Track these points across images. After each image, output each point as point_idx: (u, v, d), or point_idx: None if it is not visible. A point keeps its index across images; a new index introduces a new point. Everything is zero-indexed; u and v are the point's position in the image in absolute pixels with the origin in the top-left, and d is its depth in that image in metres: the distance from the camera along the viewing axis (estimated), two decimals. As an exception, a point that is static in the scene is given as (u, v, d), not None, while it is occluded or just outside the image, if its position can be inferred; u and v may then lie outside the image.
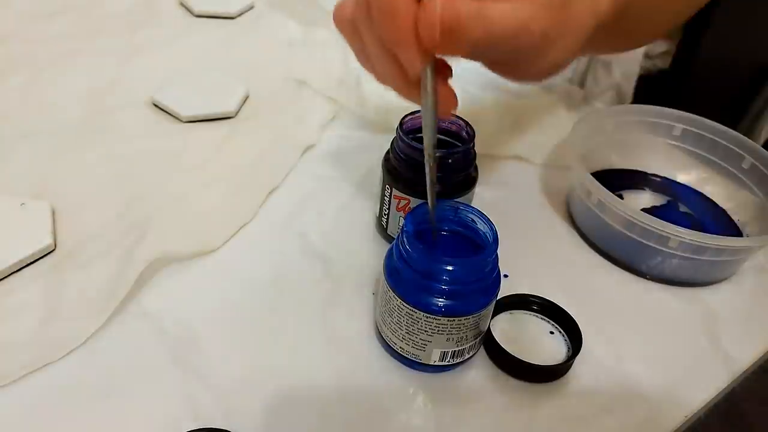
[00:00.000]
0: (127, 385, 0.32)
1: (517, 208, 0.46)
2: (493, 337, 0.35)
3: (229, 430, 0.30)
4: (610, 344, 0.36)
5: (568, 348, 0.36)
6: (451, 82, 0.30)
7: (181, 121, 0.52)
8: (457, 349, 0.33)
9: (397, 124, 0.38)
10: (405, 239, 0.31)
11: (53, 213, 0.41)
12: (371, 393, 0.33)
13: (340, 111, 0.55)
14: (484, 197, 0.45)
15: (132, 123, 0.51)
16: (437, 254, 0.31)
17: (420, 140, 0.38)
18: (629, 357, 0.36)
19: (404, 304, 0.31)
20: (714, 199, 0.47)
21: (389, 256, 0.33)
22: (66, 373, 0.33)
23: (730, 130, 0.45)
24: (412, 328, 0.32)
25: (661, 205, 0.47)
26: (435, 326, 0.31)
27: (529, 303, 0.38)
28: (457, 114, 0.40)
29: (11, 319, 0.35)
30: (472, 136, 0.38)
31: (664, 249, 0.38)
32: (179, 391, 0.32)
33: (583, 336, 0.35)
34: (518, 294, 0.38)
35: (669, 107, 0.48)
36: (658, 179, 0.49)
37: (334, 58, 0.62)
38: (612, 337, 0.37)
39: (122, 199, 0.43)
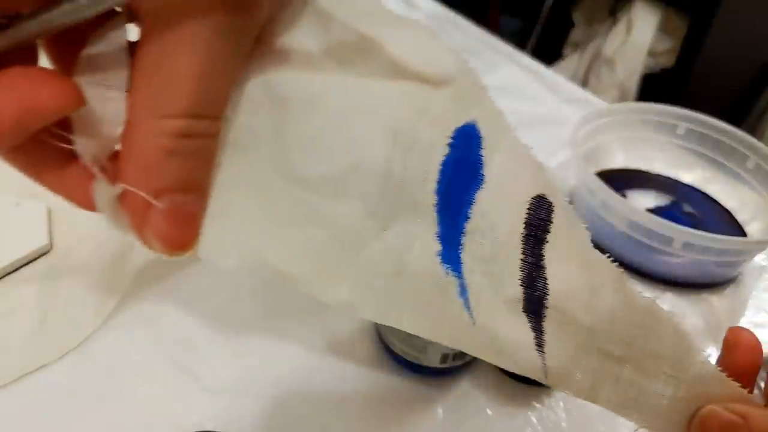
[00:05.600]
0: (124, 387, 0.32)
1: (518, 208, 0.46)
2: (494, 339, 0.34)
3: (226, 433, 0.30)
4: (613, 346, 0.36)
5: (571, 350, 0.36)
6: None
7: (179, 119, 0.51)
8: (457, 350, 0.32)
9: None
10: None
11: (49, 213, 0.40)
12: (371, 395, 0.33)
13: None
14: (485, 197, 0.44)
15: (130, 122, 0.51)
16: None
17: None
18: (632, 359, 0.36)
19: (404, 305, 0.31)
20: (718, 199, 0.46)
21: (389, 257, 0.33)
22: (63, 375, 0.32)
23: (735, 129, 0.45)
24: (412, 330, 0.31)
25: (665, 206, 0.47)
26: (436, 328, 0.31)
27: (531, 304, 0.37)
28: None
29: (8, 320, 0.34)
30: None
31: (667, 249, 0.38)
32: (176, 394, 0.32)
33: (585, 338, 0.35)
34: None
35: (673, 106, 0.47)
36: (662, 179, 0.48)
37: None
38: (615, 338, 0.36)
39: (120, 199, 0.43)
